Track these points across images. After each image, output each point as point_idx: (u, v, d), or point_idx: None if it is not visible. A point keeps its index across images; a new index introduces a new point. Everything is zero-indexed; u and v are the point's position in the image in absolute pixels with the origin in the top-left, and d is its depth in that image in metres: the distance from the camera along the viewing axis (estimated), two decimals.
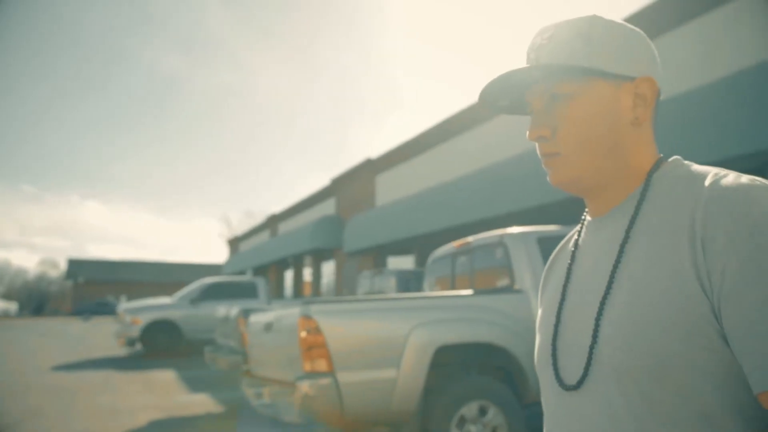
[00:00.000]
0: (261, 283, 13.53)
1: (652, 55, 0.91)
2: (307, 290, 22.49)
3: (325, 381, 3.47)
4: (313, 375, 3.50)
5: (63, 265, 65.91)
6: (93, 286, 56.19)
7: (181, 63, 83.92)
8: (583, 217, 1.01)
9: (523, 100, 0.97)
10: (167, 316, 12.60)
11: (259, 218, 32.52)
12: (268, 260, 22.30)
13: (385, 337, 3.63)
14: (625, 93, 0.88)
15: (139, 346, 13.34)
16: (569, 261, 0.97)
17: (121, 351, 14.27)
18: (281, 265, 24.29)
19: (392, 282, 7.33)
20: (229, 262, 28.73)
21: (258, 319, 4.58)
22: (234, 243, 32.02)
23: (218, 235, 65.17)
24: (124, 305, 13.40)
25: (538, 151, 0.92)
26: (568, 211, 9.03)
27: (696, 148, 6.17)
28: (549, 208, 9.29)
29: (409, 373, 3.61)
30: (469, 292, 4.02)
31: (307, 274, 22.69)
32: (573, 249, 0.98)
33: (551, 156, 0.90)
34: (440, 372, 3.76)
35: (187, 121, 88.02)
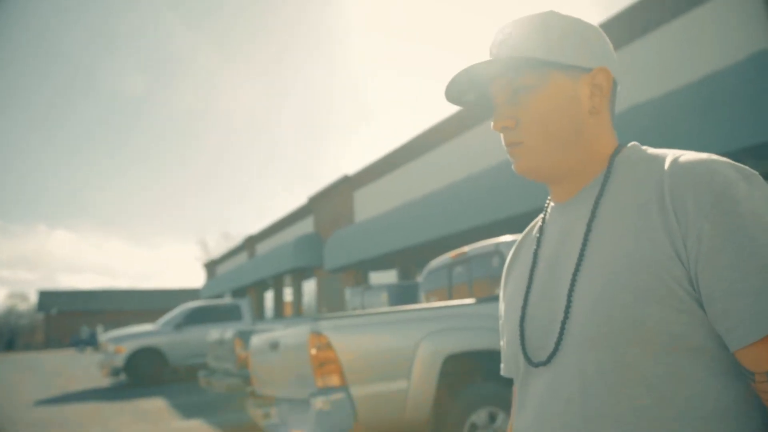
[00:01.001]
0: (245, 305, 13.46)
1: (606, 48, 0.96)
2: (288, 310, 22.36)
3: (339, 396, 3.51)
4: (326, 390, 3.54)
5: (33, 298, 64.40)
6: (66, 317, 54.97)
7: (146, 84, 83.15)
8: (546, 204, 1.04)
9: (488, 94, 1.01)
10: (152, 343, 12.44)
11: (236, 240, 32.28)
12: (247, 282, 22.12)
13: (395, 349, 3.69)
14: (582, 83, 0.92)
15: (122, 376, 13.15)
16: (535, 246, 1.00)
17: (103, 381, 14.01)
18: (260, 286, 24.12)
19: (383, 297, 7.38)
20: (206, 286, 28.44)
21: (262, 339, 4.60)
22: (211, 266, 31.72)
23: (195, 258, 64.38)
24: (106, 334, 13.20)
25: (502, 141, 0.96)
26: None
27: (682, 146, 6.38)
28: (527, 216, 9.46)
29: (419, 383, 3.67)
30: (471, 300, 4.10)
31: (288, 293, 22.58)
32: (538, 235, 1.01)
33: (515, 145, 0.94)
34: (450, 381, 3.82)
35: (156, 144, 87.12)
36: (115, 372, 12.38)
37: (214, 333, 7.34)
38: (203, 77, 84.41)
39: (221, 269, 29.78)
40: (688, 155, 0.84)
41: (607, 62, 0.94)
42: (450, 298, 4.93)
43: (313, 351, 3.60)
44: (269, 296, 24.11)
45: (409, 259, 14.41)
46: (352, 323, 3.72)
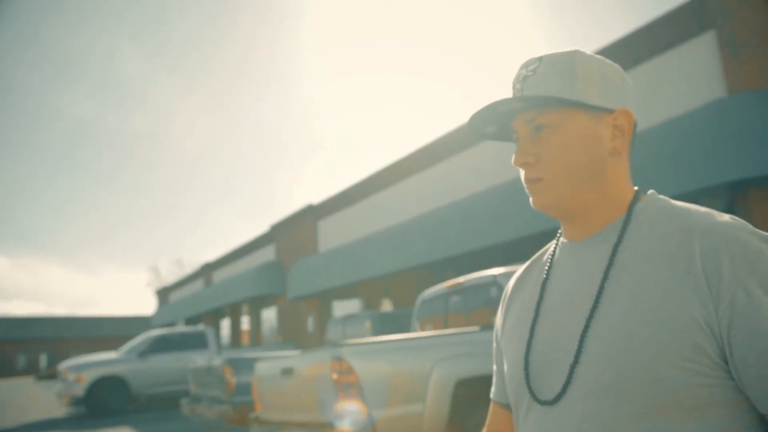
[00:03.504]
0: (210, 333, 13.37)
1: (628, 90, 0.97)
2: (246, 339, 22.14)
3: (362, 419, 3.71)
4: (348, 413, 3.73)
5: None
6: (2, 345, 52.51)
7: (92, 109, 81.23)
8: (557, 237, 1.05)
9: (509, 128, 1.02)
10: (114, 372, 12.19)
11: (188, 267, 31.75)
12: (203, 310, 21.83)
13: (410, 373, 3.92)
14: (604, 125, 0.94)
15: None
16: (543, 277, 1.00)
17: (59, 412, 13.60)
18: (216, 314, 23.82)
19: (366, 325, 7.57)
20: (158, 313, 27.84)
21: (269, 365, 4.74)
22: (163, 293, 31.10)
23: (146, 285, 62.45)
24: (66, 362, 12.86)
25: (522, 177, 0.97)
26: (508, 255, 9.61)
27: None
28: (489, 251, 9.85)
29: (433, 406, 3.90)
30: (476, 328, 4.38)
31: (245, 322, 22.37)
32: (547, 267, 1.01)
33: (535, 181, 0.95)
34: (461, 403, 4.06)
35: (104, 170, 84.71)
36: (77, 402, 12.04)
37: (199, 360, 7.37)
38: (152, 102, 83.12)
39: (175, 296, 29.26)
40: (712, 217, 0.85)
41: (628, 104, 0.96)
42: (446, 326, 5.19)
43: (335, 376, 3.80)
44: (225, 324, 23.82)
45: (373, 290, 14.63)
46: (371, 349, 3.94)
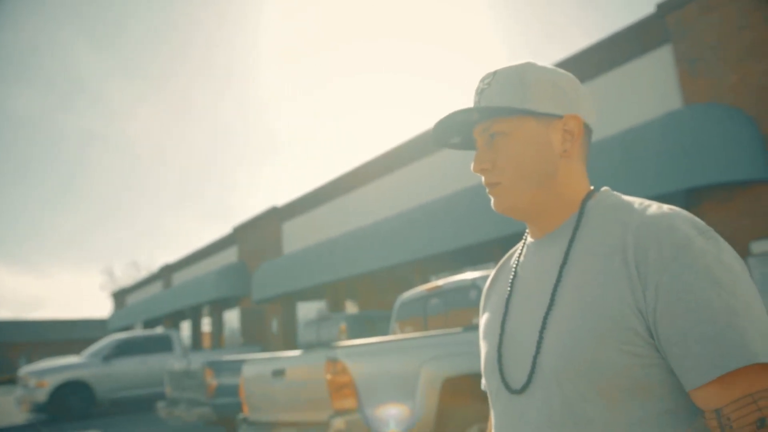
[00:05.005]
0: (175, 336, 13.31)
1: (581, 96, 1.03)
2: (207, 341, 21.97)
3: (356, 417, 3.89)
4: (343, 412, 3.92)
5: None
6: None
7: (40, 106, 78.74)
8: (524, 237, 1.12)
9: (471, 138, 1.11)
10: (78, 376, 12.02)
11: (145, 270, 31.21)
12: (163, 312, 21.57)
13: (401, 373, 4.13)
14: (554, 129, 1.00)
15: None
16: (512, 276, 1.07)
17: (18, 418, 13.33)
18: (176, 317, 23.56)
19: (341, 327, 7.72)
20: (114, 316, 27.33)
21: (258, 366, 4.88)
22: (120, 296, 30.52)
23: (100, 287, 60.62)
24: (26, 367, 12.62)
25: (483, 182, 1.05)
26: (474, 258, 9.94)
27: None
28: (456, 254, 10.15)
29: (423, 403, 4.12)
30: (459, 329, 4.62)
31: (206, 324, 22.20)
32: (515, 266, 1.08)
33: (493, 186, 1.03)
34: (449, 400, 4.29)
35: (51, 169, 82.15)
36: (39, 408, 11.81)
37: (177, 363, 7.41)
38: (110, 103, 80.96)
39: (132, 299, 28.78)
40: (652, 209, 0.91)
41: (579, 110, 1.02)
42: (426, 328, 5.42)
43: (329, 376, 3.98)
44: (185, 327, 23.58)
45: (338, 292, 14.78)
46: (365, 350, 4.13)
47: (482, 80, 1.05)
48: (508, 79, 1.01)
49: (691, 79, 7.57)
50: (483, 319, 1.13)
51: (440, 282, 5.42)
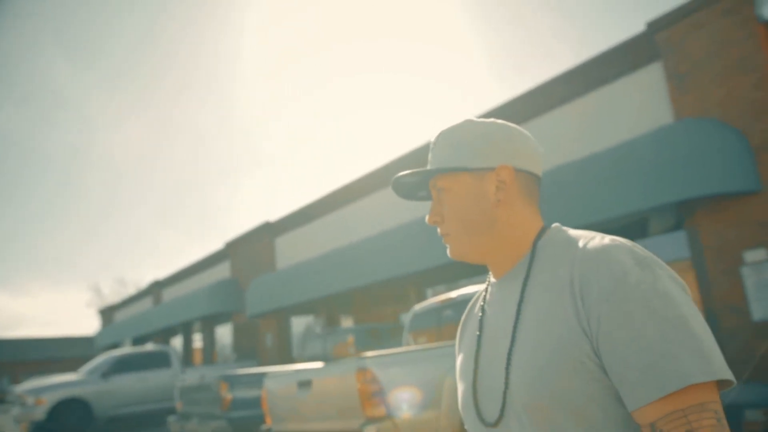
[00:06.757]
0: (172, 352, 13.34)
1: (515, 145, 1.10)
2: (198, 357, 21.92)
3: (387, 424, 4.07)
4: (375, 420, 4.09)
5: None
6: None
7: (19, 120, 77.82)
8: (488, 278, 1.18)
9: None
10: (77, 394, 11.98)
11: (132, 286, 31.02)
12: (153, 329, 21.47)
13: (427, 381, 4.32)
14: (488, 181, 1.07)
15: None
16: (480, 314, 1.13)
17: None
18: (166, 333, 23.45)
19: (350, 339, 7.86)
20: (101, 334, 27.11)
21: (282, 378, 5.04)
22: (108, 313, 30.29)
23: (86, 305, 59.73)
24: (24, 385, 12.58)
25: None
26: (468, 271, 10.12)
27: (589, 207, 7.46)
28: (450, 267, 10.32)
29: (447, 411, 4.30)
30: None
31: (197, 340, 22.14)
32: (482, 304, 1.15)
33: (445, 236, 1.12)
34: None
35: (32, 184, 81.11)
36: (38, 427, 11.75)
37: (190, 378, 7.50)
38: (93, 117, 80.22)
39: (120, 315, 28.58)
40: (594, 242, 0.97)
41: (513, 159, 1.09)
42: (440, 338, 5.62)
43: (360, 385, 4.15)
44: (177, 343, 23.49)
45: (333, 306, 14.90)
46: (394, 360, 4.32)
47: (433, 141, 1.15)
48: (446, 139, 1.12)
49: (680, 95, 7.87)
50: (459, 360, 1.19)
51: (453, 294, 5.62)
